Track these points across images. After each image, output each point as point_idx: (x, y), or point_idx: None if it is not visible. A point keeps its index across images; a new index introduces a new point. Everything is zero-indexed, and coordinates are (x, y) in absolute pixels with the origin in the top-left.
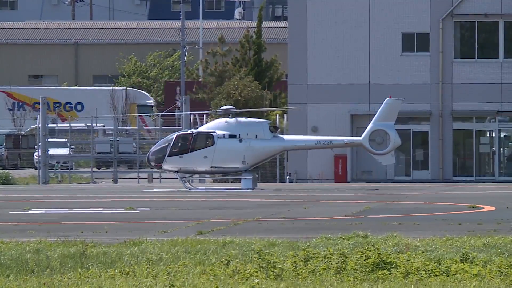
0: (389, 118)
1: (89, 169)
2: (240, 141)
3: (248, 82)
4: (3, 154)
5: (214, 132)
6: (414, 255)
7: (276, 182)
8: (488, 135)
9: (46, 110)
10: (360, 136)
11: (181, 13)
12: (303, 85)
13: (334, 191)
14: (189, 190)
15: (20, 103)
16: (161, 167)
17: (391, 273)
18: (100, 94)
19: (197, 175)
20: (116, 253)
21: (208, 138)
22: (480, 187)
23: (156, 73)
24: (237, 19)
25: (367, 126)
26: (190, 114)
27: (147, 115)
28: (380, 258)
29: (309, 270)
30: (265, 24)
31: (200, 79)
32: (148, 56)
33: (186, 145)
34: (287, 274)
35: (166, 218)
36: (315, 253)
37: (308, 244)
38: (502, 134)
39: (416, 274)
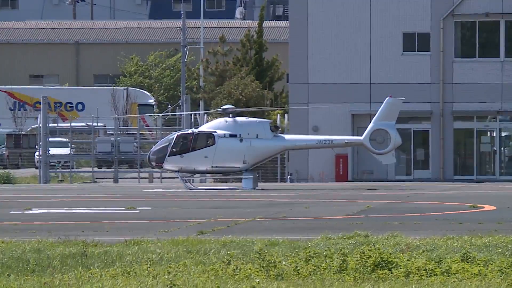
0: (390, 117)
1: (90, 169)
2: (241, 140)
3: (249, 81)
4: (4, 153)
5: (215, 131)
6: (415, 255)
7: (277, 181)
8: (489, 135)
9: (47, 110)
10: (361, 135)
11: (182, 12)
12: (304, 85)
13: (335, 190)
14: (190, 189)
15: (21, 103)
16: (162, 167)
17: (392, 273)
18: (101, 93)
19: (198, 175)
20: (117, 253)
21: (209, 138)
22: (481, 187)
23: (158, 72)
24: (238, 18)
25: (368, 125)
26: (191, 113)
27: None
28: (381, 257)
29: (310, 270)
30: (266, 23)
31: (201, 79)
32: (149, 56)
33: (187, 145)
34: (288, 273)
35: (166, 218)
36: (316, 253)
37: (309, 243)
38: (503, 134)
39: (417, 274)
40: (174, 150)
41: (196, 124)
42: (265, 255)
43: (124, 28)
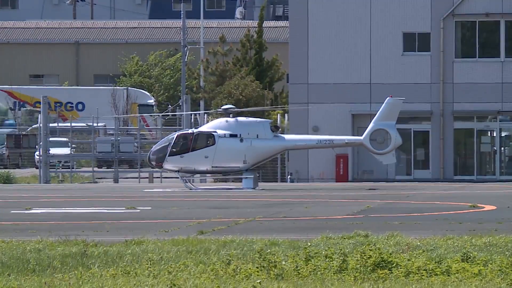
0: (390, 117)
1: (90, 169)
2: (241, 140)
3: (249, 81)
4: (4, 153)
5: (215, 131)
6: (415, 255)
7: (277, 181)
8: (489, 135)
9: (47, 110)
10: (361, 135)
11: (182, 12)
12: (304, 85)
13: (335, 190)
14: (190, 189)
15: (22, 103)
16: (162, 167)
17: (392, 273)
18: (101, 93)
19: (198, 175)
20: (117, 253)
21: (209, 138)
22: (481, 187)
23: (158, 72)
24: (238, 18)
25: (368, 125)
26: (191, 113)
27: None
28: (381, 257)
29: (310, 270)
30: (266, 23)
31: (201, 79)
32: (149, 56)
33: (187, 145)
34: (288, 273)
35: (166, 218)
36: (316, 253)
37: (309, 243)
38: (503, 134)
39: (417, 274)
40: (174, 150)
41: (196, 124)
42: (266, 255)
43: (124, 28)
